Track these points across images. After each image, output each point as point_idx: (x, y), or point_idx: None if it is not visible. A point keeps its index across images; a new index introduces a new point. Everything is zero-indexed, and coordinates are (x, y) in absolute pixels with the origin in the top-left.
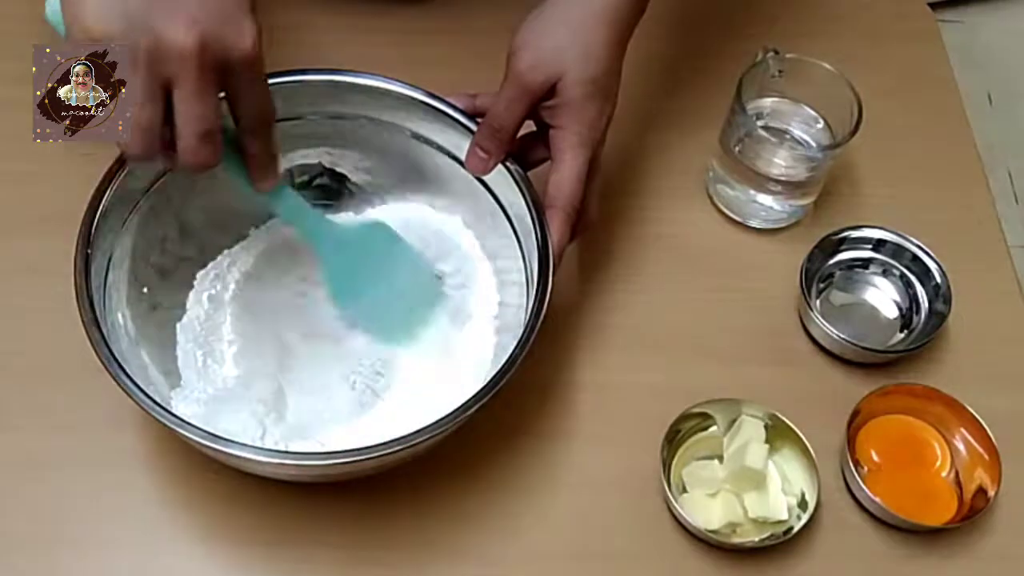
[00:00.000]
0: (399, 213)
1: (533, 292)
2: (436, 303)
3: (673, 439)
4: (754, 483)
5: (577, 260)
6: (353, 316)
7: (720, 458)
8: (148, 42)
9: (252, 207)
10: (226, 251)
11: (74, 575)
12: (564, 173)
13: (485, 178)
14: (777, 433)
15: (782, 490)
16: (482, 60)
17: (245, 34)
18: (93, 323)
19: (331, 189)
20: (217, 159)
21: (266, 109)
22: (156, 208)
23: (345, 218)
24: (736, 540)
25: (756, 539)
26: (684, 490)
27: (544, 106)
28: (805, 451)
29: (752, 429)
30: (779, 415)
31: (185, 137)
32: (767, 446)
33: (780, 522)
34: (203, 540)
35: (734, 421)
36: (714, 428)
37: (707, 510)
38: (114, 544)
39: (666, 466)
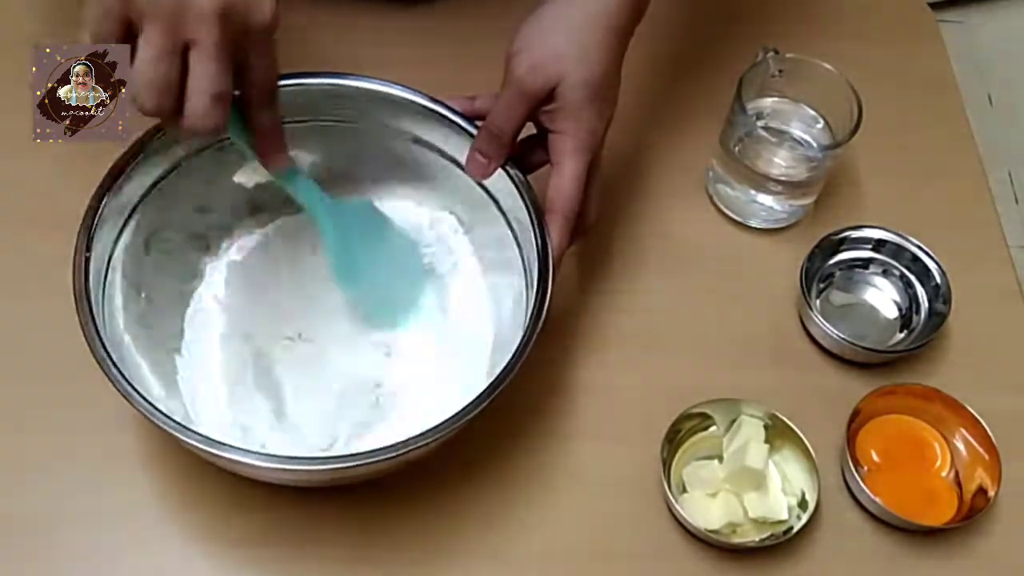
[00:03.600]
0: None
1: (532, 295)
2: (426, 282)
3: (673, 439)
4: (754, 483)
5: (577, 260)
6: (354, 299)
7: (720, 458)
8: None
9: (253, 206)
10: (222, 252)
11: (74, 575)
12: (563, 177)
13: (485, 181)
14: (777, 433)
15: (782, 490)
16: (482, 61)
17: (265, 4)
18: (91, 323)
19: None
20: (225, 125)
21: (275, 81)
22: (155, 209)
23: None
24: (736, 540)
25: (756, 539)
26: (684, 490)
27: (543, 110)
28: (805, 451)
29: (752, 429)
30: (779, 415)
31: (197, 96)
32: (767, 446)
33: (780, 522)
34: (202, 541)
35: (734, 421)
36: (714, 428)
37: (707, 510)
38: (114, 544)
39: (666, 466)
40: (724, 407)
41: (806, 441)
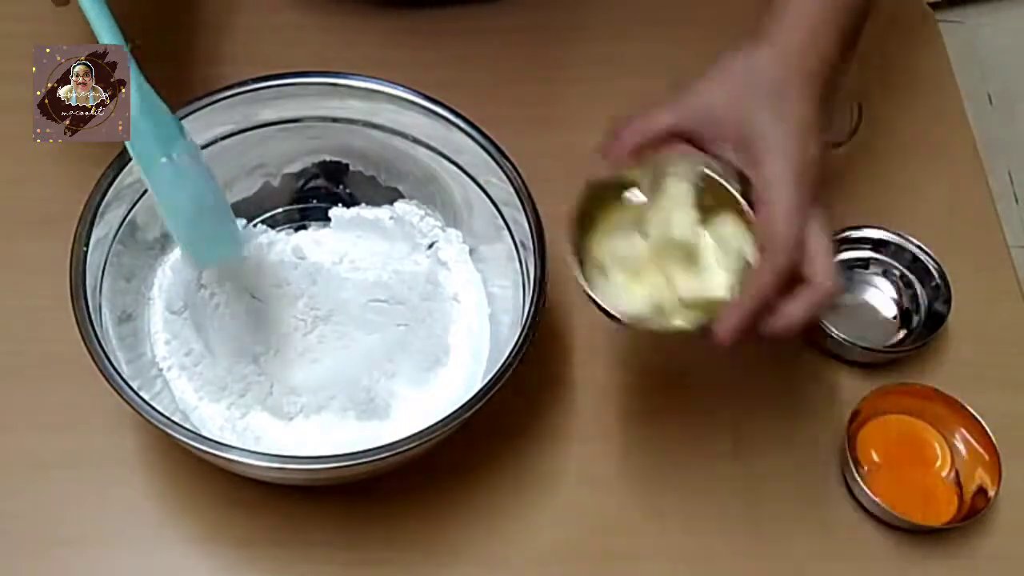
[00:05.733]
0: (392, 214)
1: (529, 296)
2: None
3: (584, 219)
4: (683, 258)
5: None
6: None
7: (643, 233)
8: None
9: (256, 207)
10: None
11: (74, 575)
12: (771, 209)
13: (483, 183)
14: (710, 196)
15: (717, 263)
16: (482, 61)
17: None
18: (87, 320)
19: (325, 191)
20: None
21: None
22: (155, 206)
23: (337, 213)
24: (669, 324)
25: (690, 321)
26: (606, 276)
27: (736, 151)
28: (739, 211)
29: (677, 193)
30: (711, 173)
31: None
32: (695, 212)
33: (716, 300)
34: (202, 540)
35: (658, 185)
36: (635, 196)
37: (630, 294)
38: (114, 544)
39: (579, 250)
40: (646, 169)
41: (741, 201)
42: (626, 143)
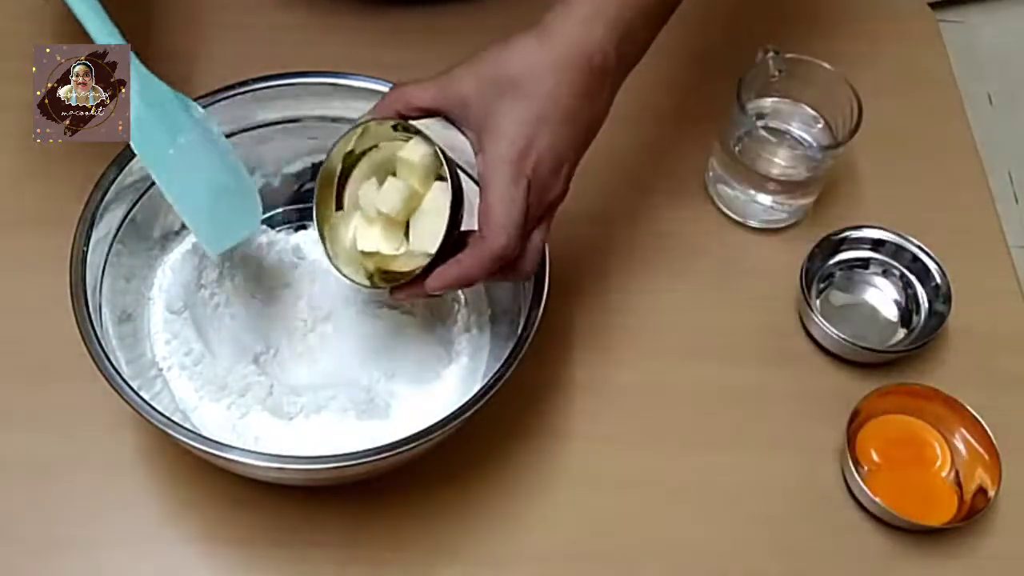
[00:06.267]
0: None
1: (529, 297)
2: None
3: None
4: (390, 226)
5: (577, 260)
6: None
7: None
8: None
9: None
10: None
11: (74, 575)
12: (488, 191)
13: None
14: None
15: (420, 235)
16: None
17: None
18: (87, 320)
19: None
20: None
21: None
22: (155, 205)
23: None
24: (358, 275)
25: (385, 280)
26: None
27: (475, 137)
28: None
29: (413, 156)
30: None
31: None
32: (406, 184)
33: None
34: (202, 540)
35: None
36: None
37: (361, 236)
38: (114, 544)
39: (342, 176)
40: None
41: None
42: (387, 110)
